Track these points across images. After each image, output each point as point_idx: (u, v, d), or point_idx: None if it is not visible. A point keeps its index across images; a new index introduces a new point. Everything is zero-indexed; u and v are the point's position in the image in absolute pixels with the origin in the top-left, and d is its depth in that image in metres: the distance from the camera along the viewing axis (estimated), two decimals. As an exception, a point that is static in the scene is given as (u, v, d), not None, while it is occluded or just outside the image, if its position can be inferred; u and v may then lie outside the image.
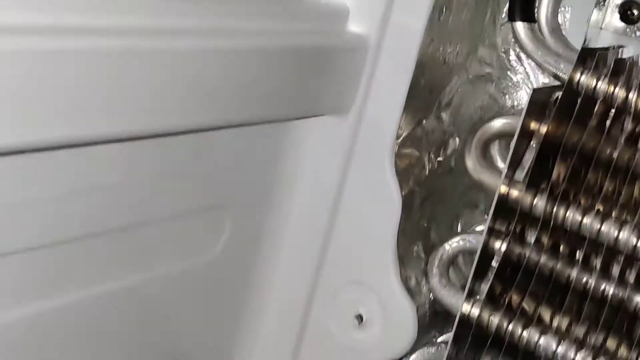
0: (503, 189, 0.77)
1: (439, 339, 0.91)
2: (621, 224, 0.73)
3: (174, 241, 0.78)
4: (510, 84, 0.90)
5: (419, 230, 0.89)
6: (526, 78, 0.90)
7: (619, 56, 0.80)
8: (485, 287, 0.78)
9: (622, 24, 0.83)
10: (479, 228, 0.90)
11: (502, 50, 0.90)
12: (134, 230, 0.72)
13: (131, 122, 0.60)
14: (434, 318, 0.88)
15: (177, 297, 0.80)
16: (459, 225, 0.95)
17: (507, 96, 0.90)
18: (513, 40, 0.87)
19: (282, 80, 0.74)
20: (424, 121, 0.88)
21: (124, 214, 0.71)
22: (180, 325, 0.83)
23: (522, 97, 0.90)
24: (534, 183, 0.77)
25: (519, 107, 0.89)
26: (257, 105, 0.73)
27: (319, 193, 0.87)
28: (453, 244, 0.86)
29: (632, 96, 0.73)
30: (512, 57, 0.90)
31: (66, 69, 0.55)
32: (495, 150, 0.87)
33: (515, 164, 0.78)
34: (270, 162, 0.84)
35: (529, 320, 0.77)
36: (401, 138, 0.85)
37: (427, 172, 0.89)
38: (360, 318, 0.87)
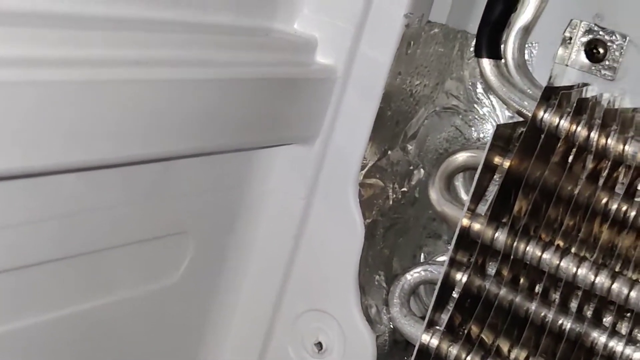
0: (465, 221, 0.78)
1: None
2: (580, 260, 0.74)
3: (136, 266, 0.78)
4: (476, 116, 0.91)
5: (381, 259, 0.90)
6: (492, 111, 0.91)
7: (583, 95, 0.81)
8: (445, 318, 0.79)
9: (587, 62, 0.85)
10: (441, 259, 0.91)
11: (469, 83, 0.91)
12: (95, 255, 0.72)
13: (95, 151, 0.60)
14: (393, 347, 0.88)
15: (138, 321, 0.80)
16: (422, 255, 0.95)
17: (473, 128, 0.91)
18: (480, 74, 0.88)
19: (250, 109, 0.75)
20: (390, 152, 0.89)
21: (86, 240, 0.71)
22: (142, 349, 0.83)
23: (488, 130, 0.91)
24: (495, 217, 0.77)
25: (485, 140, 0.90)
26: (225, 134, 0.73)
27: (283, 220, 0.87)
28: (414, 274, 0.86)
29: (594, 135, 0.74)
30: (479, 90, 0.91)
31: (27, 99, 0.55)
32: (459, 182, 0.88)
33: (478, 197, 0.79)
34: (235, 188, 0.84)
35: (487, 352, 0.78)
36: (366, 168, 0.86)
37: (390, 202, 0.90)
38: (320, 346, 0.88)
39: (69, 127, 0.58)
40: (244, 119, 0.74)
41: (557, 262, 0.74)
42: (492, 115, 0.91)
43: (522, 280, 0.77)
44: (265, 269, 0.88)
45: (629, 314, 0.75)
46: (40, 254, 0.67)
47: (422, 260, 0.94)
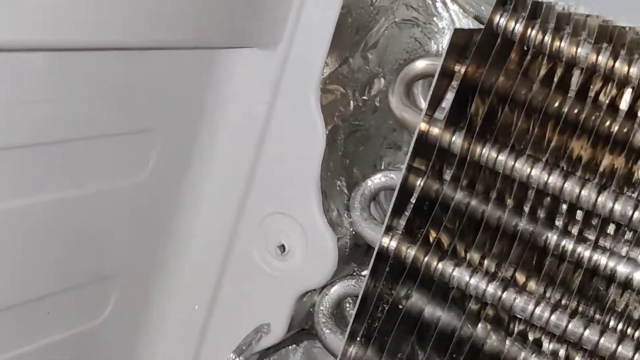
0: (423, 126, 0.80)
1: (362, 273, 0.94)
2: (534, 162, 0.77)
3: (106, 160, 0.79)
4: (435, 29, 0.92)
5: (342, 166, 0.92)
6: (451, 24, 0.92)
7: None
8: (403, 222, 0.82)
9: (543, -32, 0.86)
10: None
11: (429, -5, 0.92)
12: (65, 144, 0.73)
13: (64, 31, 0.61)
14: (354, 251, 0.91)
15: (105, 217, 0.82)
16: (382, 165, 0.97)
17: (432, 41, 0.93)
18: (439, -20, 0.89)
19: (210, 6, 0.76)
20: (350, 59, 0.90)
21: (54, 128, 0.72)
22: (107, 244, 0.85)
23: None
24: (452, 121, 0.79)
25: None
26: (185, 28, 0.75)
27: (246, 124, 0.89)
28: (375, 180, 0.88)
29: (547, 39, 0.76)
30: (439, 3, 0.92)
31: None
32: (418, 90, 0.90)
33: (435, 103, 0.81)
34: (199, 89, 0.86)
35: (444, 253, 0.81)
36: (327, 74, 0.88)
37: (351, 109, 0.92)
38: (282, 248, 0.90)
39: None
40: (204, 14, 0.75)
41: (512, 163, 0.76)
42: (450, 28, 0.92)
43: (478, 184, 0.80)
44: (228, 172, 0.90)
45: (581, 214, 0.78)
46: (10, 138, 0.68)
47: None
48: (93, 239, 0.82)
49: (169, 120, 0.84)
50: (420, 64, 0.86)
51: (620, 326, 0.78)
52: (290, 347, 0.99)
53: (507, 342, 0.80)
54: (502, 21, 0.76)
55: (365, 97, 0.93)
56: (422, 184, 0.81)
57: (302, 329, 0.94)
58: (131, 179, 0.82)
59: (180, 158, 0.87)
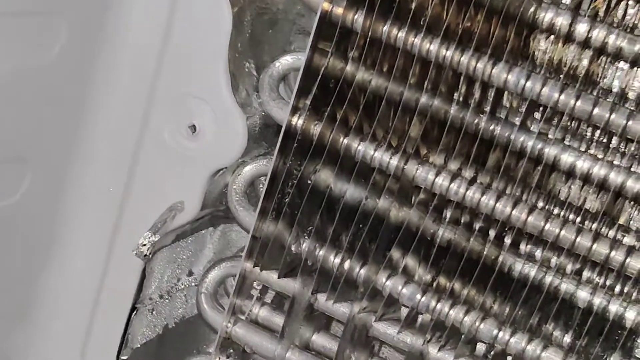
0: (326, 5, 0.81)
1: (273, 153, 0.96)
2: (432, 38, 0.79)
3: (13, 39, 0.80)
4: None
5: (251, 48, 0.94)
6: None
7: None
8: (309, 101, 0.85)
9: None
10: (309, 51, 0.95)
11: None
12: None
13: None
14: (265, 131, 0.94)
15: (16, 97, 0.83)
16: (292, 49, 0.99)
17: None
18: None
19: None
20: (255, -60, 0.92)
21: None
22: (19, 125, 0.86)
23: None
24: (354, 1, 0.81)
25: None
26: None
27: (152, 7, 0.90)
28: (283, 61, 0.90)
29: None
30: None
31: None
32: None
33: (338, -17, 0.83)
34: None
35: (349, 130, 0.84)
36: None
37: (258, -9, 0.93)
38: (193, 128, 0.92)
39: None
40: None
41: (412, 39, 0.79)
42: None
43: (380, 62, 0.82)
44: (138, 56, 0.91)
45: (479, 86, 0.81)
46: None
47: (291, 52, 0.98)
48: (3, 117, 0.83)
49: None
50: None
51: (515, 192, 0.82)
52: (207, 230, 1.02)
53: (411, 211, 0.84)
54: None
55: (271, -21, 0.94)
56: (327, 63, 0.83)
57: (217, 209, 0.97)
58: (39, 60, 0.83)
59: (90, 39, 0.88)
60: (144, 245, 0.94)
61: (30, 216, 0.93)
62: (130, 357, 0.99)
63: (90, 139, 0.94)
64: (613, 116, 0.77)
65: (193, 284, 1.02)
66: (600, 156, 0.79)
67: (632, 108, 0.77)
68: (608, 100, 0.78)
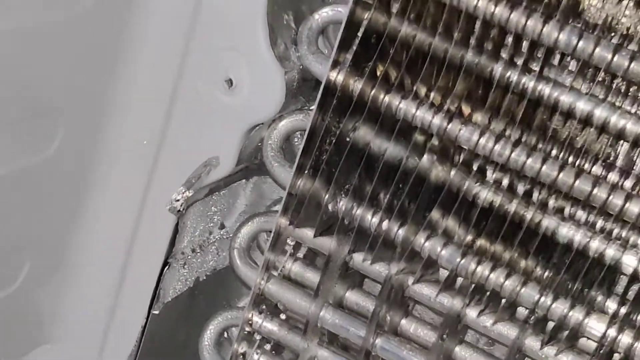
0: (370, -41, 0.79)
1: (310, 107, 0.94)
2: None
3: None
4: None
5: (290, 0, 0.91)
6: None
7: None
8: (350, 56, 0.82)
9: None
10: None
11: None
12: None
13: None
14: (302, 85, 0.91)
15: (50, 49, 0.81)
16: (330, 1, 0.96)
17: None
18: None
19: None
20: None
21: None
22: (52, 77, 0.84)
23: None
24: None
25: None
26: None
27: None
28: (322, 14, 0.88)
29: None
30: None
31: None
32: None
33: None
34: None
35: (390, 87, 0.82)
36: None
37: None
38: (230, 82, 0.90)
39: None
40: None
41: (461, -6, 0.77)
42: None
43: (425, 17, 0.80)
44: (175, 7, 0.89)
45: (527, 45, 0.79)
46: None
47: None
48: (37, 71, 0.81)
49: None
50: None
51: (561, 154, 0.80)
52: (240, 182, 1.01)
53: (452, 172, 0.82)
54: None
55: None
56: (369, 17, 0.81)
57: (252, 163, 0.95)
58: (74, 12, 0.81)
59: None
60: (178, 200, 0.92)
61: (64, 170, 0.92)
62: (161, 311, 0.98)
63: (125, 91, 0.92)
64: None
65: (225, 236, 1.01)
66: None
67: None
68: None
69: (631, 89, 0.78)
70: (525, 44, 0.78)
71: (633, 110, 0.78)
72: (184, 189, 0.92)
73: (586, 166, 0.81)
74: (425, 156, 0.82)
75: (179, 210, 0.92)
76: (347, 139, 0.83)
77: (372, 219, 0.85)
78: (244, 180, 1.00)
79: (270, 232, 0.88)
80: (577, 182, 0.77)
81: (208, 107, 0.90)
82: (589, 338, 0.81)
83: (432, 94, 0.81)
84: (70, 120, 0.89)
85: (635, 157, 0.80)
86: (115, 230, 0.97)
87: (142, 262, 0.97)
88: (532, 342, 0.83)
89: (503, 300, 0.82)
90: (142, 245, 0.96)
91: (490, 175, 0.82)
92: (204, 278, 1.01)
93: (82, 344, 1.01)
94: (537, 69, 0.78)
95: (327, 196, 0.85)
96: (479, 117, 0.81)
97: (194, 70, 0.90)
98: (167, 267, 0.97)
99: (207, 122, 0.91)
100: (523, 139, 0.80)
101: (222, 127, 0.90)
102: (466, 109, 0.81)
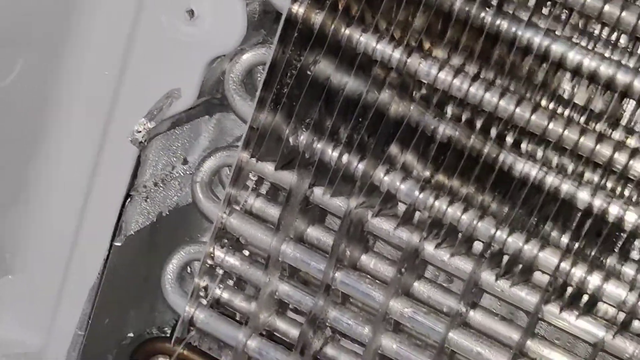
0: None
1: (272, 41, 0.94)
2: None
3: None
4: None
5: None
6: None
7: None
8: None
9: None
10: None
11: None
12: None
13: None
14: (264, 18, 0.91)
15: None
16: None
17: None
18: None
19: None
20: None
21: None
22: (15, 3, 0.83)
23: None
24: None
25: None
26: None
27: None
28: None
29: None
30: None
31: None
32: None
33: None
34: None
35: (351, 20, 0.82)
36: None
37: None
38: (191, 13, 0.89)
39: None
40: None
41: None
42: None
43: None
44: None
45: None
46: None
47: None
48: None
49: None
50: None
51: (520, 90, 0.80)
52: (203, 118, 1.00)
53: (412, 106, 0.82)
54: None
55: None
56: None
57: (214, 97, 0.95)
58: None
59: None
60: (139, 132, 0.92)
61: (22, 101, 0.91)
62: (123, 244, 0.98)
63: (85, 22, 0.91)
64: (624, 14, 0.75)
65: (188, 172, 1.01)
66: (607, 55, 0.78)
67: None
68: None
69: (588, 25, 0.79)
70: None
71: (590, 47, 0.79)
72: (146, 120, 0.92)
73: (543, 102, 0.81)
74: (384, 91, 0.82)
75: (141, 142, 0.92)
76: (308, 72, 0.83)
77: (332, 153, 0.85)
78: (207, 116, 1.00)
79: (232, 166, 0.89)
80: (534, 116, 0.78)
81: (169, 38, 0.89)
82: (542, 272, 0.83)
83: (392, 28, 0.81)
84: (28, 50, 0.88)
85: (592, 94, 0.81)
86: (76, 162, 0.96)
87: (104, 194, 0.96)
88: (488, 276, 0.84)
89: (460, 234, 0.83)
90: (103, 177, 0.95)
91: (449, 110, 0.82)
92: (167, 213, 1.02)
93: (44, 276, 1.01)
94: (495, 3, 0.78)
95: (288, 130, 0.86)
96: (439, 52, 0.81)
97: (155, 1, 0.89)
98: (129, 199, 0.97)
99: (168, 54, 0.90)
100: (482, 74, 0.80)
101: (183, 59, 0.89)
102: (426, 44, 0.81)
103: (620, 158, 0.77)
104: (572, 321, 0.82)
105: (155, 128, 0.93)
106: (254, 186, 0.92)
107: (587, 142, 0.77)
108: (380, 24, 0.81)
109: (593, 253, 0.80)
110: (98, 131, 0.94)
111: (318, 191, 0.87)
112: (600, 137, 0.77)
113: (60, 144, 0.96)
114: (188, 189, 1.01)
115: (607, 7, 0.75)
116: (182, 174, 1.01)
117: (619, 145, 0.77)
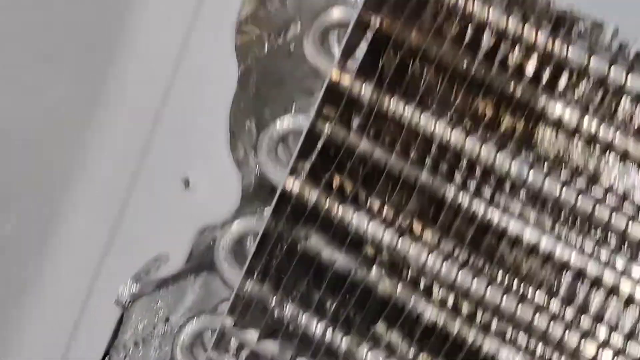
0: (334, 75, 0.81)
1: (265, 212, 0.95)
2: (438, 118, 0.79)
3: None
4: (356, -22, 0.94)
5: (253, 107, 0.93)
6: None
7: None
8: (308, 165, 0.84)
9: None
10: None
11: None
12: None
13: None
14: (259, 191, 0.92)
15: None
16: (293, 109, 0.98)
17: (352, -10, 0.94)
18: None
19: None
20: (268, 2, 0.91)
21: None
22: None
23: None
24: (364, 73, 0.81)
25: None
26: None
27: (159, 54, 0.90)
28: (284, 122, 0.90)
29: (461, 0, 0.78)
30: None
31: None
32: (334, 39, 0.91)
33: (349, 52, 0.83)
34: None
35: (345, 199, 0.83)
36: (244, 15, 0.88)
37: (265, 52, 0.93)
38: (187, 182, 0.91)
39: None
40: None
41: (418, 117, 0.79)
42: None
43: (384, 135, 0.82)
44: (140, 100, 0.91)
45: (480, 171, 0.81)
46: None
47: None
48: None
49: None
50: (337, 12, 0.87)
51: (506, 280, 0.81)
52: (189, 278, 1.01)
53: (399, 287, 0.83)
54: (419, -22, 0.78)
55: (280, 42, 0.94)
56: (329, 130, 0.83)
57: (201, 262, 0.96)
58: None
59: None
60: (124, 293, 0.92)
61: (16, 253, 0.92)
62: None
63: (81, 180, 0.93)
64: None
65: (169, 332, 1.01)
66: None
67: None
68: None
69: (578, 223, 0.81)
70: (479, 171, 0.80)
71: (578, 245, 0.80)
72: (132, 282, 0.92)
73: (529, 293, 0.82)
74: (374, 269, 0.83)
75: (125, 304, 0.92)
76: (299, 247, 0.85)
77: (316, 327, 0.85)
78: (193, 276, 1.00)
79: (215, 330, 0.89)
80: (519, 309, 0.79)
81: (163, 205, 0.91)
82: None
83: (384, 209, 0.83)
84: (24, 205, 0.90)
85: (577, 288, 0.82)
86: (58, 319, 0.96)
87: (83, 351, 0.96)
88: None
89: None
90: (84, 334, 0.95)
91: (436, 294, 0.83)
92: (144, 373, 1.01)
93: None
94: (488, 195, 0.80)
95: (274, 302, 0.86)
96: (429, 235, 0.83)
97: (151, 168, 0.91)
98: (107, 358, 0.96)
99: (161, 220, 0.91)
100: (470, 262, 0.82)
101: (175, 225, 0.91)
102: (417, 227, 0.83)
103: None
104: None
105: (140, 290, 0.93)
106: (235, 352, 0.91)
107: (571, 338, 0.78)
108: (373, 205, 0.82)
109: None
110: (83, 289, 0.94)
111: (300, 363, 0.87)
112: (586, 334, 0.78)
113: (44, 300, 0.96)
114: (167, 348, 1.00)
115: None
116: (163, 332, 1.01)
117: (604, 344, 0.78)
